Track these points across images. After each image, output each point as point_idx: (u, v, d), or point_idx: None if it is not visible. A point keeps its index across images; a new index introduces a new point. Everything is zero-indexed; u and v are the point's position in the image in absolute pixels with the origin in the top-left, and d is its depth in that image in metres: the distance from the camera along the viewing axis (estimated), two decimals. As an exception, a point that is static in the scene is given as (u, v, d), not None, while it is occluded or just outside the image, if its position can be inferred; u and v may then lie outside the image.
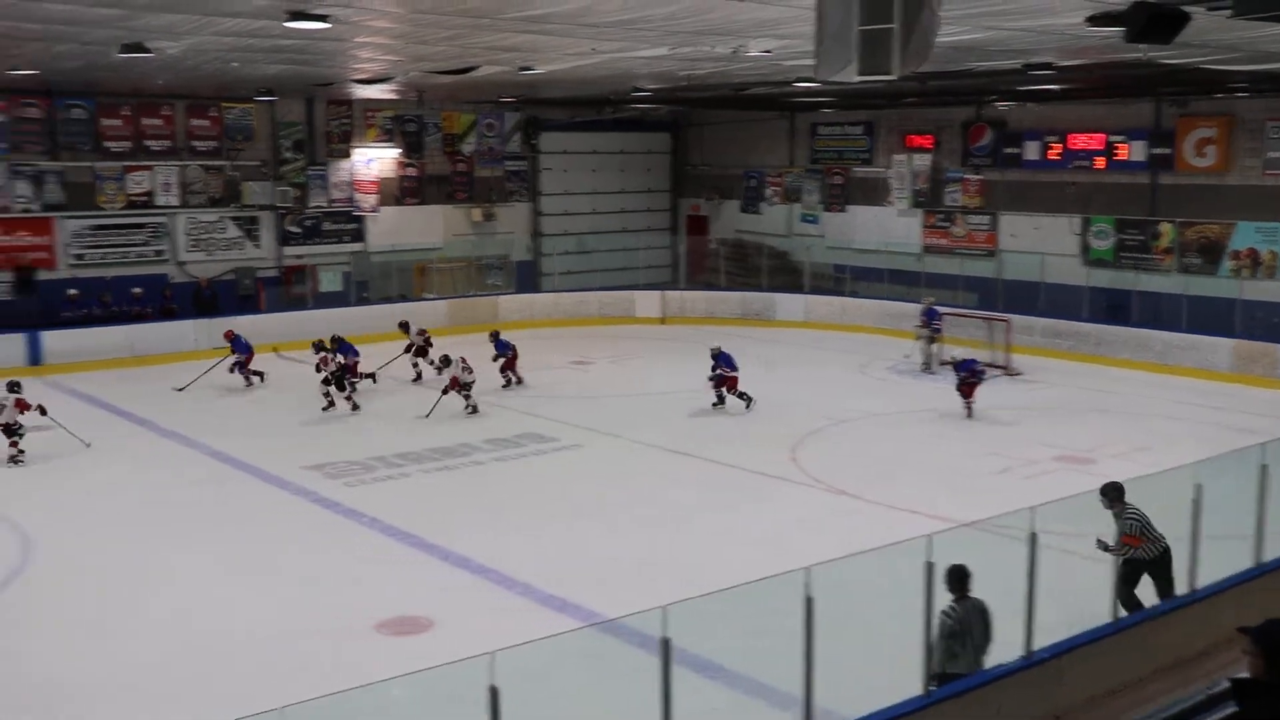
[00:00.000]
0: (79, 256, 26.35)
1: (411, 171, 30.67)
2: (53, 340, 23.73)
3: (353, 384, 19.82)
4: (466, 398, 18.94)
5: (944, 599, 7.82)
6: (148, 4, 14.58)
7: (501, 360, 21.32)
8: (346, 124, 29.43)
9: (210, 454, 16.94)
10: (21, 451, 16.36)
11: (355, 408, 19.49)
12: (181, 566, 12.16)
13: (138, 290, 26.17)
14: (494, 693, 5.77)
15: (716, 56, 18.80)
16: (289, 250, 28.95)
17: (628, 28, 15.77)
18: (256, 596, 11.28)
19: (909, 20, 7.54)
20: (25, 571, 12.09)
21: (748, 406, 18.97)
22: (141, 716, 9.04)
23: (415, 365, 22.07)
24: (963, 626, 7.97)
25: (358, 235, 29.93)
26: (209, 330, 24.48)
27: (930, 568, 7.22)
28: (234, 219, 28.25)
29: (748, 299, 29.85)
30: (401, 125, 30.33)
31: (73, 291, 25.45)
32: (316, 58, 20.42)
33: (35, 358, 23.41)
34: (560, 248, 32.94)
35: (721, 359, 19.07)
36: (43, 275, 25.52)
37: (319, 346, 20.00)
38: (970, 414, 18.65)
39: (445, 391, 18.91)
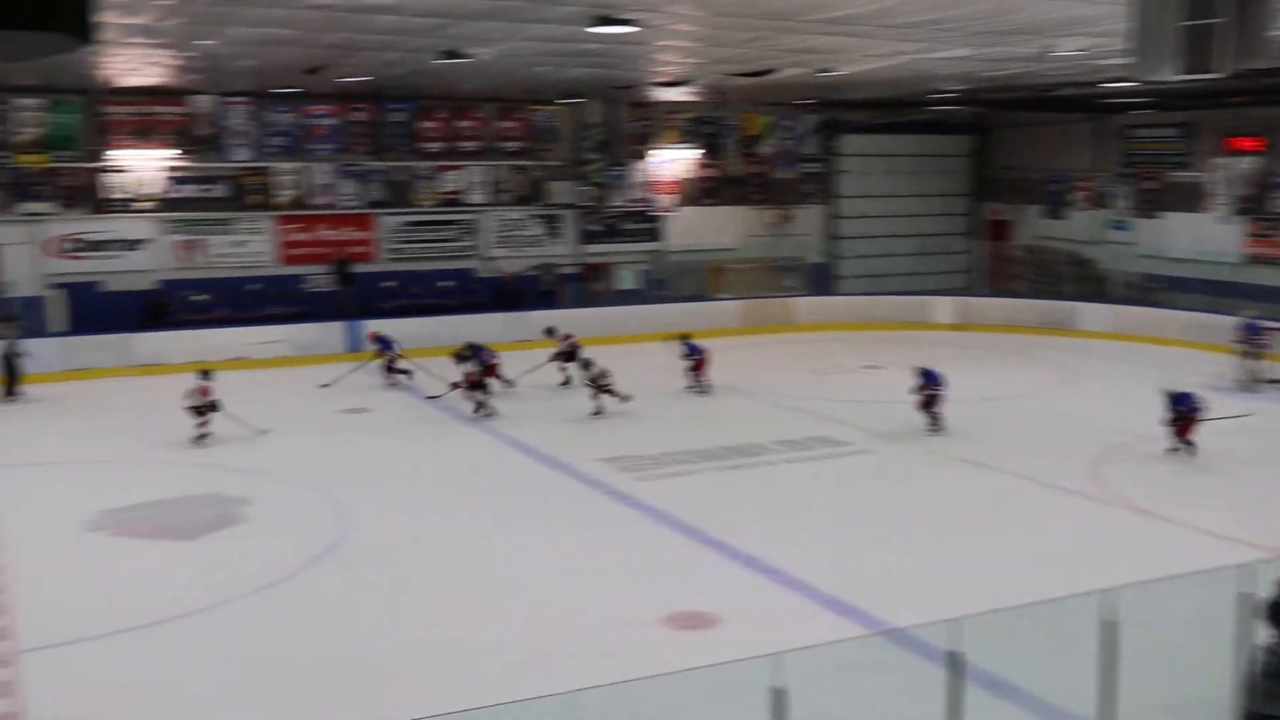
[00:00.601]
0: (395, 250, 28.03)
1: (709, 172, 31.03)
2: (371, 328, 25.27)
3: (487, 385, 19.99)
4: (596, 394, 19.29)
5: (1264, 634, 7.30)
6: (466, 13, 15.32)
7: (691, 363, 21.31)
8: (647, 125, 30.05)
9: (509, 442, 17.69)
10: (207, 434, 17.47)
11: (488, 410, 19.45)
12: (481, 549, 12.72)
13: (446, 283, 27.66)
14: (778, 694, 5.77)
15: (1022, 56, 18.17)
16: (589, 248, 29.83)
17: (931, 28, 15.45)
18: (545, 582, 11.67)
19: (1242, 13, 7.06)
20: (343, 546, 12.91)
21: (934, 426, 18.02)
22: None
23: (563, 369, 22.03)
24: (1285, 665, 7.43)
25: (655, 234, 30.53)
26: (511, 323, 25.58)
27: (1245, 599, 6.77)
28: (538, 217, 29.35)
29: (1048, 307, 28.70)
30: (700, 127, 30.73)
31: (389, 283, 27.17)
32: (619, 61, 20.95)
33: (354, 345, 25.01)
34: (855, 251, 32.61)
35: (928, 376, 18.10)
36: (361, 268, 27.26)
37: (461, 356, 20.06)
38: (1189, 452, 16.35)
39: (589, 384, 19.40)
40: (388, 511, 14.08)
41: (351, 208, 27.64)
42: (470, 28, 16.78)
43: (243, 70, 22.14)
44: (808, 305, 29.96)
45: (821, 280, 32.00)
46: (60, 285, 25.18)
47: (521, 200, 29.23)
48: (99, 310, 24.81)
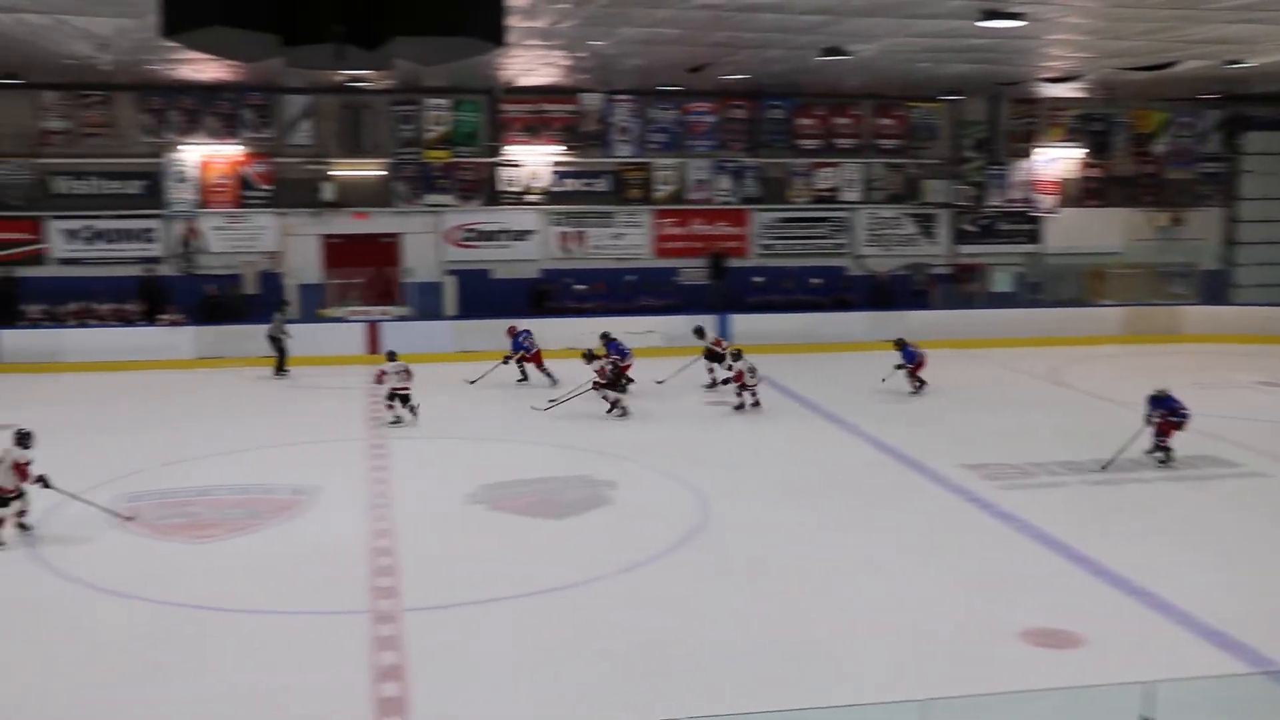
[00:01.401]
0: (767, 246, 28.35)
1: (1094, 172, 29.54)
2: (740, 323, 25.70)
3: (624, 384, 19.74)
4: (740, 392, 19.24)
5: None
6: (851, 9, 15.26)
7: (907, 369, 20.79)
8: (1030, 123, 28.95)
9: (869, 440, 17.51)
10: (399, 420, 18.29)
11: (621, 410, 19.12)
12: (839, 546, 12.64)
13: (816, 280, 27.70)
14: (1149, 726, 5.42)
15: None
16: (963, 248, 29.09)
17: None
18: (903, 585, 11.46)
19: None
20: (703, 533, 13.18)
21: (1164, 459, 16.08)
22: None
23: (711, 370, 21.58)
24: None
25: (1033, 236, 29.42)
26: (880, 322, 25.30)
27: None
28: (912, 215, 28.89)
29: None
30: (1086, 124, 29.29)
31: (759, 278, 27.51)
32: (1005, 56, 20.27)
33: (723, 338, 25.47)
34: (1256, 258, 30.13)
35: (1164, 403, 16.07)
36: (734, 262, 27.70)
37: (590, 356, 19.61)
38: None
39: (729, 382, 19.50)
40: (747, 502, 14.24)
41: (726, 203, 28.16)
42: (854, 24, 16.72)
43: (629, 69, 23.02)
44: (1198, 315, 27.98)
45: (1215, 289, 29.76)
46: (454, 272, 27.05)
47: (895, 198, 28.86)
48: (488, 296, 26.47)
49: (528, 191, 27.44)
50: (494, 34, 5.16)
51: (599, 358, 19.51)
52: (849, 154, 28.55)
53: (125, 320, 25.11)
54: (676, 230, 28.10)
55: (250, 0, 4.87)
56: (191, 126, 26.12)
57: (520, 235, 27.48)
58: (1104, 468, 15.56)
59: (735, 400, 19.54)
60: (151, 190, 26.19)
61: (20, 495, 12.78)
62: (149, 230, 26.28)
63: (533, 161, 27.33)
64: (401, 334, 23.49)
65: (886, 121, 28.66)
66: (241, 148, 26.33)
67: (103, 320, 25.25)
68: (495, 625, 10.38)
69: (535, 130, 27.25)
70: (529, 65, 22.87)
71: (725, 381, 20.16)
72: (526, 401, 19.95)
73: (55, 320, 25.12)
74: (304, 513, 13.87)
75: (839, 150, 28.51)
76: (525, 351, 21.72)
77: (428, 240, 27.15)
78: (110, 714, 8.68)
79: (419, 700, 8.82)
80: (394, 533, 12.99)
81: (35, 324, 24.93)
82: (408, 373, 18.50)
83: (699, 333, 22.15)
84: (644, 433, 18.07)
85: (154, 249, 26.30)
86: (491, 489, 14.75)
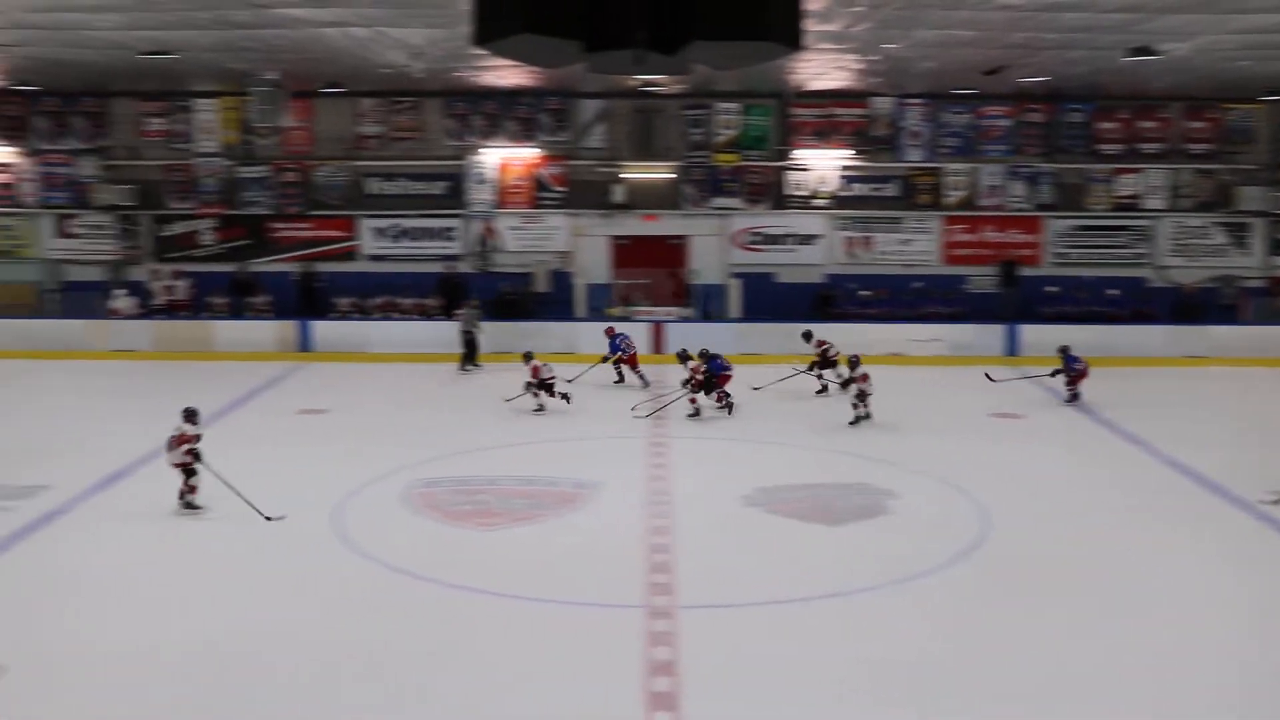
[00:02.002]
0: (1061, 255, 27.28)
1: None
2: (1029, 333, 24.84)
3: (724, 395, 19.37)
4: (857, 404, 18.63)
5: None
6: (1163, 6, 14.51)
7: (1069, 377, 20.13)
8: (1363, 126, 26.79)
9: (1165, 461, 16.57)
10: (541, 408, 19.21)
11: (694, 411, 19.13)
12: (1138, 573, 12.02)
13: (1113, 291, 26.46)
14: None
15: None
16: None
17: None
18: (1200, 618, 10.79)
19: None
20: (982, 549, 12.79)
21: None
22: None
23: (820, 377, 20.86)
24: None
25: (1362, 248, 27.19)
26: (1182, 337, 23.95)
27: None
28: (1222, 224, 27.19)
29: None
30: None
31: (1052, 288, 26.50)
32: (1338, 53, 18.83)
33: (1011, 349, 24.71)
34: None
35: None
36: (1025, 271, 26.76)
37: (684, 356, 19.72)
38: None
39: (849, 384, 18.96)
40: (1033, 519, 13.74)
41: (1020, 210, 27.25)
42: (1166, 22, 15.89)
43: (922, 72, 22.61)
44: None
45: None
46: (739, 275, 27.24)
47: (1204, 206, 27.22)
48: (772, 300, 26.54)
49: (815, 196, 27.34)
50: (791, 38, 5.18)
51: (695, 360, 19.52)
52: (1154, 159, 27.09)
53: (425, 314, 26.46)
54: (966, 237, 27.39)
55: (556, 9, 5.07)
56: (492, 130, 27.30)
57: (806, 239, 27.41)
58: None
59: (854, 412, 18.77)
60: (453, 191, 27.53)
61: (194, 472, 13.68)
62: (450, 229, 27.63)
63: (821, 166, 27.21)
64: (684, 335, 23.80)
65: (1197, 124, 27.04)
66: (538, 151, 27.33)
67: (405, 314, 26.73)
68: (768, 628, 10.39)
69: (824, 134, 27.13)
70: (820, 69, 22.79)
71: (847, 384, 19.38)
72: (627, 401, 20.21)
73: (363, 313, 26.74)
74: (584, 506, 14.27)
75: (1143, 155, 27.10)
76: (622, 354, 22.00)
77: (714, 243, 27.46)
78: (390, 689, 9.16)
79: (690, 697, 8.93)
80: (671, 530, 13.19)
81: (345, 316, 26.61)
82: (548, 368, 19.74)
83: (807, 336, 21.74)
84: (921, 442, 17.68)
85: (454, 247, 27.64)
86: (767, 492, 14.77)
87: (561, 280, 27.25)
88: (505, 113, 27.19)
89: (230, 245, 27.77)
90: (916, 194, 27.34)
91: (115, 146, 27.71)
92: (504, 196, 27.51)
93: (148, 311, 26.71)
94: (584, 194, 27.33)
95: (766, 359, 22.69)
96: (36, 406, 19.93)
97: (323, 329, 25.99)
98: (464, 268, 27.40)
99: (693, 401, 19.18)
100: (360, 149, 27.56)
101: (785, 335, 22.99)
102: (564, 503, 14.38)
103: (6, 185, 27.80)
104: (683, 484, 15.19)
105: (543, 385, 19.47)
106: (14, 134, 27.60)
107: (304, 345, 25.75)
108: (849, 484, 15.28)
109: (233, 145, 27.43)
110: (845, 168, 27.24)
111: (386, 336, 25.73)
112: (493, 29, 5.18)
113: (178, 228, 27.83)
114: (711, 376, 19.32)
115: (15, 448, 16.76)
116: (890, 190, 27.40)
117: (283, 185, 27.58)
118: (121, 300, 26.59)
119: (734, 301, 27.10)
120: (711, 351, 19.79)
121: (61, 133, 27.65)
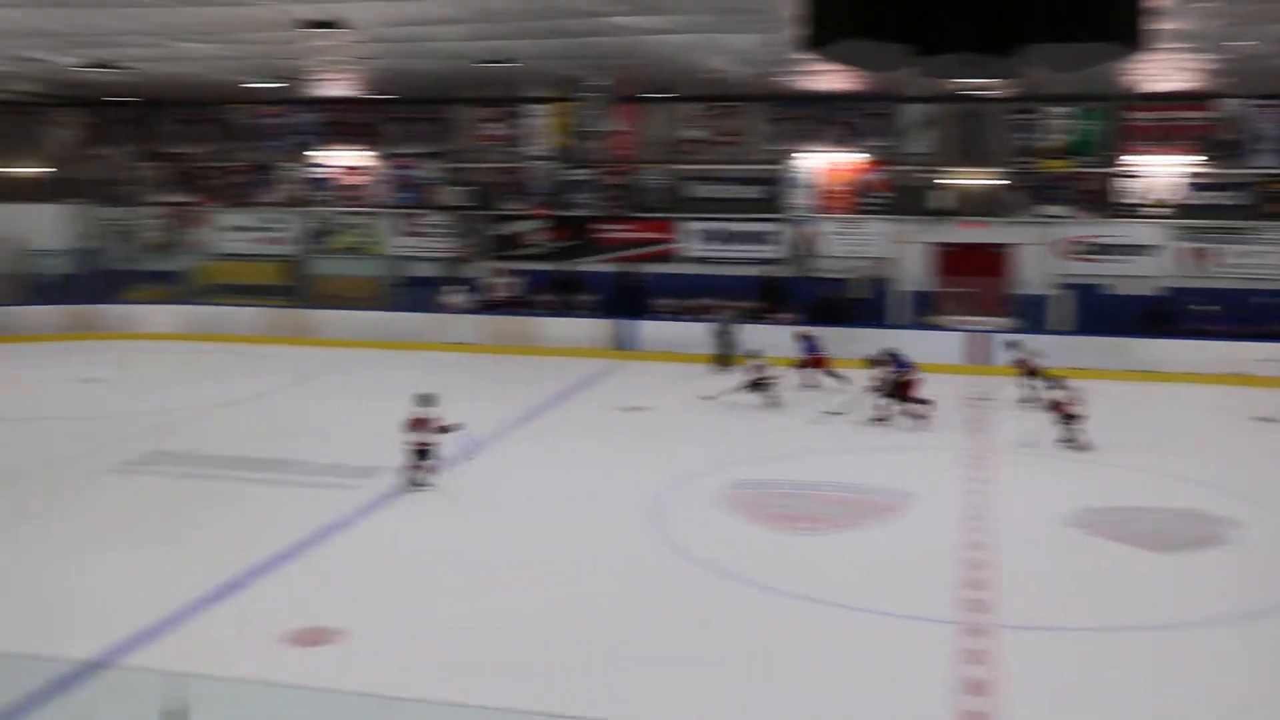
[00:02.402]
0: None
1: None
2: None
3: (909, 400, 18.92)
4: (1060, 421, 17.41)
5: None
6: None
7: None
8: None
9: None
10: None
11: (883, 416, 18.90)
12: None
13: None
14: None
15: None
16: None
17: None
18: None
19: None
20: None
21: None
22: None
23: (1033, 388, 20.10)
24: None
25: None
26: None
27: None
28: None
29: None
30: None
31: None
32: None
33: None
34: None
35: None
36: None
37: (876, 361, 19.49)
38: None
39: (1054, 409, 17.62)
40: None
41: (1386, 221, 24.92)
42: None
43: (1275, 70, 21.03)
44: None
45: None
46: (1067, 286, 26.10)
47: None
48: (1101, 312, 25.30)
49: (1150, 204, 25.87)
50: (1133, 38, 4.96)
51: (884, 363, 19.47)
52: None
53: (747, 317, 26.62)
54: (1323, 249, 25.26)
55: (887, 13, 5.04)
56: (812, 135, 27.27)
57: (1139, 250, 25.97)
58: None
59: (1059, 433, 17.43)
60: (772, 195, 27.67)
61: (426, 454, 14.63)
62: (769, 233, 27.78)
63: (1157, 172, 25.73)
64: (1005, 345, 22.97)
65: None
66: (860, 156, 27.10)
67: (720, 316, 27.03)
68: (1094, 654, 9.94)
69: (1163, 139, 25.64)
70: (1160, 70, 21.56)
71: (1056, 408, 17.76)
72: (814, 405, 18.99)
73: (684, 314, 27.18)
74: (900, 517, 14.06)
75: None
76: (815, 356, 22.14)
77: (1038, 252, 26.44)
78: (708, 689, 9.31)
79: (1004, 718, 8.66)
80: (988, 546, 12.82)
81: (664, 316, 27.19)
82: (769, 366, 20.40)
83: (1011, 347, 21.01)
84: (1266, 469, 16.46)
85: (773, 251, 27.77)
86: (1090, 513, 14.11)
87: (879, 287, 26.90)
88: (825, 118, 27.10)
89: (557, 245, 28.92)
90: (1266, 202, 25.41)
91: (454, 150, 29.42)
92: (823, 201, 27.42)
93: (479, 307, 28.18)
94: (906, 199, 26.90)
95: (1099, 374, 21.62)
96: (377, 394, 21.34)
97: (642, 328, 26.66)
98: (784, 272, 27.50)
99: (880, 408, 19.06)
100: (681, 153, 28.13)
101: (1117, 351, 21.86)
102: (880, 512, 14.22)
103: (360, 187, 29.98)
104: (1001, 499, 14.73)
105: (756, 385, 20.24)
106: (368, 139, 29.74)
107: (624, 344, 26.52)
108: (1180, 509, 14.41)
109: (561, 149, 28.57)
110: (1186, 174, 25.64)
111: (703, 338, 26.07)
112: (823, 34, 5.21)
113: (509, 228, 29.24)
114: (898, 382, 18.98)
115: (356, 431, 18.05)
116: (1236, 198, 25.58)
117: (607, 188, 28.50)
118: (456, 295, 28.17)
119: (1059, 313, 25.98)
120: (898, 353, 19.63)
121: (408, 138, 29.61)
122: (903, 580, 11.76)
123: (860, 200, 27.22)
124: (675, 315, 27.20)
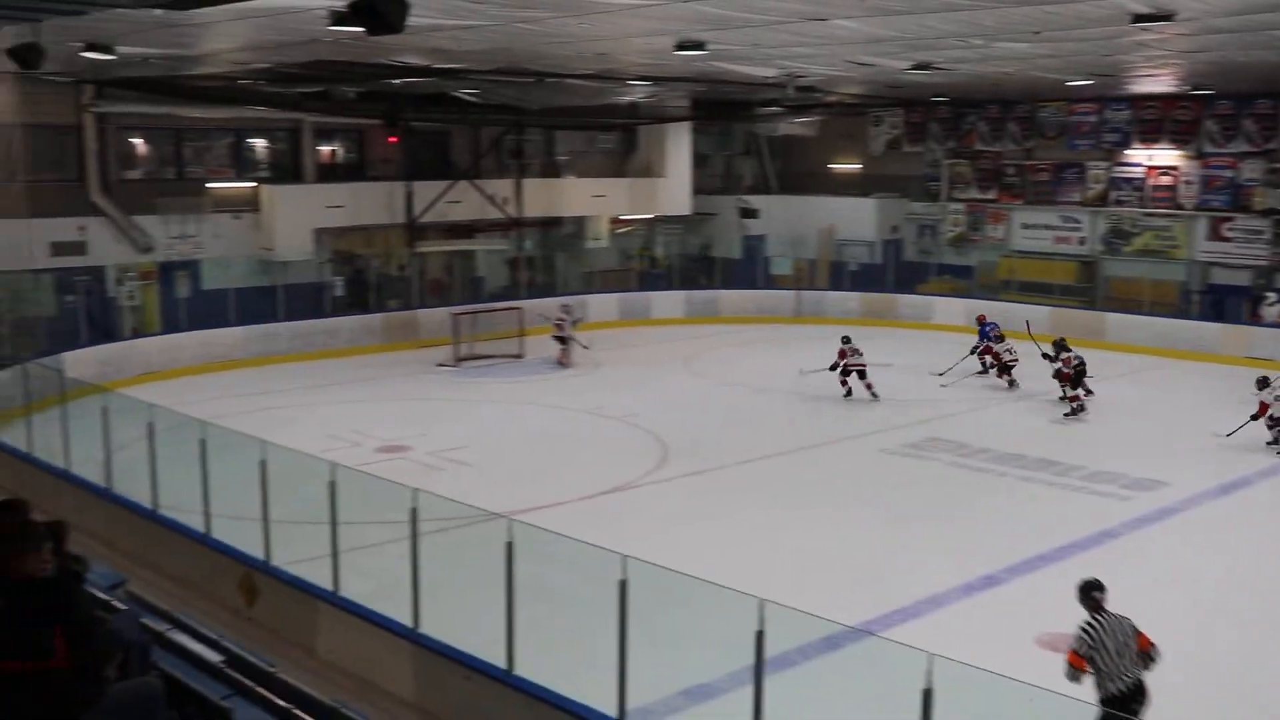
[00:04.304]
0: None
1: None
2: None
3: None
4: None
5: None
6: None
7: None
8: None
9: None
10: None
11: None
12: None
13: None
14: None
15: None
16: None
17: None
18: None
19: None
20: None
21: None
22: None
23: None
24: None
25: None
26: None
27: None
28: None
29: None
30: None
31: None
32: None
33: None
34: None
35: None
36: None
37: (1061, 345, 19.27)
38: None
39: None
40: None
41: None
42: None
43: None
44: None
45: None
46: None
47: None
48: None
49: None
50: None
51: (1069, 350, 19.16)
52: None
53: None
54: None
55: None
56: None
57: None
58: None
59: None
60: None
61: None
62: None
63: None
64: None
65: None
66: None
67: None
68: None
69: None
70: None
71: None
72: None
73: None
74: None
75: None
76: (991, 342, 21.71)
77: None
78: None
79: None
80: None
81: None
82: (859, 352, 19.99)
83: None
84: None
85: None
86: None
87: None
88: None
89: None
90: None
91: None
92: None
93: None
94: None
95: None
96: (1165, 405, 20.23)
97: None
98: None
99: (1071, 399, 18.71)
100: None
101: None
102: None
103: (1169, 187, 28.43)
104: None
105: (846, 371, 19.75)
106: (1183, 137, 28.04)
107: None
108: None
109: None
110: None
111: None
112: None
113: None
114: (1082, 366, 18.82)
115: (1140, 441, 17.26)
116: None
117: None
118: (1274, 307, 25.74)
119: None
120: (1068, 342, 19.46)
121: (1230, 136, 27.46)
122: None
123: None
124: None
